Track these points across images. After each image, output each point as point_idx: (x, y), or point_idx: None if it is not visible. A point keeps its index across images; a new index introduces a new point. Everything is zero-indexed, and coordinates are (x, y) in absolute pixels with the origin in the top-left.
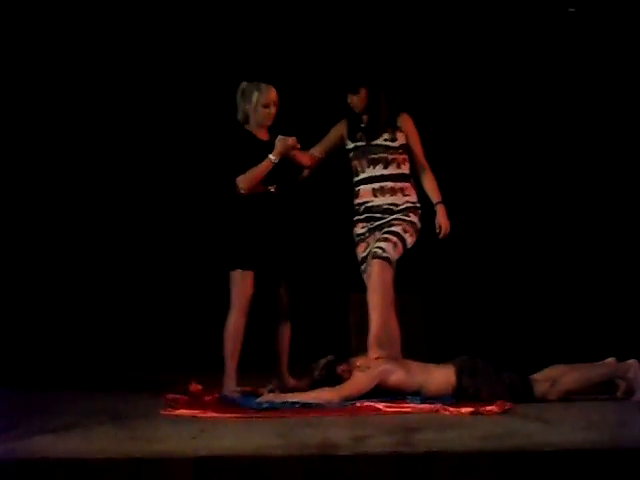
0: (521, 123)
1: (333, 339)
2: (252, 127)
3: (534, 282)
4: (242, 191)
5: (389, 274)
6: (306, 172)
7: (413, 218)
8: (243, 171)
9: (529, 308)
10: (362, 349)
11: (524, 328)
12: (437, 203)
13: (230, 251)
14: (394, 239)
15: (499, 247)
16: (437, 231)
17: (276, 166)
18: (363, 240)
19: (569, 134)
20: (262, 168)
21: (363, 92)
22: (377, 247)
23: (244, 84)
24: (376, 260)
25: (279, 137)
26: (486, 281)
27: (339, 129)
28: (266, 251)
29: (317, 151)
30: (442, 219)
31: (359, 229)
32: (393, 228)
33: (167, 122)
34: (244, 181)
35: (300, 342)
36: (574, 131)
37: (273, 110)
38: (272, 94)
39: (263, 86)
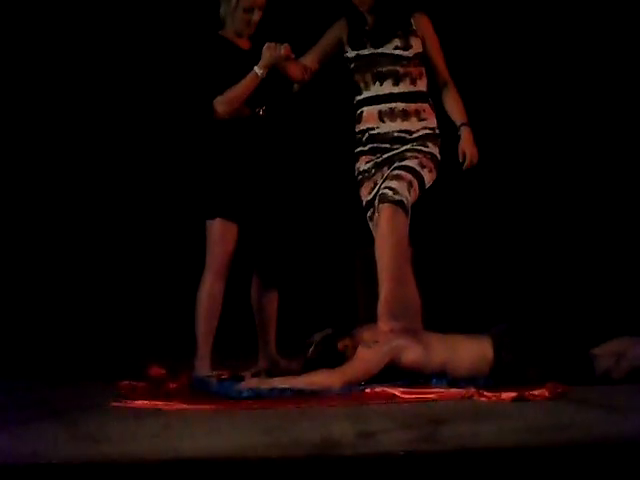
0: (522, 108)
1: (335, 307)
2: (229, 33)
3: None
4: (222, 116)
5: (403, 222)
6: (296, 87)
7: (432, 149)
8: (221, 90)
9: (579, 262)
10: (372, 319)
11: (573, 287)
12: (461, 125)
13: (207, 194)
14: (408, 176)
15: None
16: (460, 160)
17: (263, 81)
18: (368, 178)
19: (569, 124)
20: (246, 84)
21: None
22: (386, 187)
23: None
24: (386, 205)
25: (267, 44)
26: (509, 227)
27: (336, 31)
28: (254, 195)
29: (309, 60)
30: (467, 144)
31: (362, 164)
32: (406, 162)
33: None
34: (224, 102)
35: (292, 312)
36: (575, 121)
37: (256, 16)
38: None
39: None
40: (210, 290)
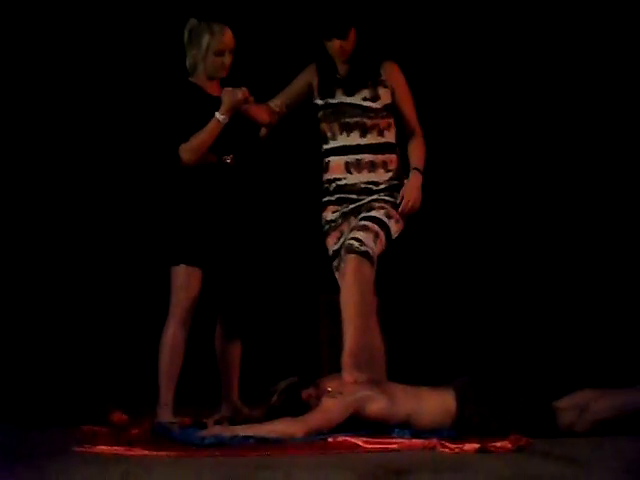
0: (514, 114)
1: (299, 355)
2: (200, 79)
3: (542, 282)
4: (187, 163)
5: (369, 273)
6: (263, 131)
7: (399, 199)
8: (189, 136)
9: (540, 312)
10: (336, 368)
11: (535, 339)
12: (414, 169)
13: (172, 240)
14: (375, 227)
15: (488, 241)
16: (399, 202)
17: (228, 129)
18: (335, 228)
19: (566, 130)
20: (208, 131)
21: (352, 34)
22: (353, 238)
23: (192, 22)
24: (352, 255)
25: (225, 89)
26: (474, 278)
27: (307, 76)
28: (218, 241)
29: (277, 104)
30: (410, 188)
31: (329, 214)
32: (373, 213)
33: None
34: (188, 150)
35: (256, 359)
36: (572, 127)
37: (228, 59)
38: (227, 38)
39: (216, 28)
40: (173, 336)
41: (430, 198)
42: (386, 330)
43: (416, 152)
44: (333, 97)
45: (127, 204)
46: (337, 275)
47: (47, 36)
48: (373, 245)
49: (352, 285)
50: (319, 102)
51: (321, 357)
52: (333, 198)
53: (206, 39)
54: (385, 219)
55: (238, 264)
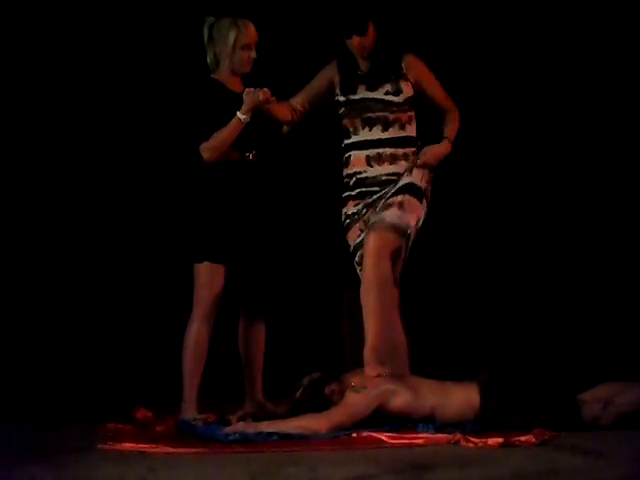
0: (519, 114)
1: (322, 351)
2: (223, 75)
3: (566, 276)
4: (208, 161)
5: (392, 248)
6: (285, 128)
7: (423, 183)
8: (212, 133)
9: (563, 306)
10: (359, 363)
11: (558, 333)
12: (445, 137)
13: (196, 238)
14: (397, 199)
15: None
16: (420, 153)
17: (251, 126)
18: (357, 221)
19: (567, 130)
20: (229, 130)
21: (371, 30)
22: (376, 219)
23: (211, 19)
24: (372, 233)
25: (247, 90)
26: (498, 272)
27: (328, 74)
28: (242, 238)
29: (298, 102)
30: (433, 148)
31: (350, 208)
32: (399, 197)
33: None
34: (209, 149)
35: (280, 355)
36: (573, 127)
37: (254, 53)
38: (253, 32)
39: (240, 22)
40: (197, 333)
41: (452, 193)
42: (409, 323)
43: (449, 124)
44: (355, 93)
45: (150, 202)
46: (358, 270)
47: (65, 35)
48: (400, 220)
49: (371, 278)
50: (341, 99)
51: (344, 353)
52: (353, 193)
53: (233, 34)
54: (411, 200)
55: (261, 261)
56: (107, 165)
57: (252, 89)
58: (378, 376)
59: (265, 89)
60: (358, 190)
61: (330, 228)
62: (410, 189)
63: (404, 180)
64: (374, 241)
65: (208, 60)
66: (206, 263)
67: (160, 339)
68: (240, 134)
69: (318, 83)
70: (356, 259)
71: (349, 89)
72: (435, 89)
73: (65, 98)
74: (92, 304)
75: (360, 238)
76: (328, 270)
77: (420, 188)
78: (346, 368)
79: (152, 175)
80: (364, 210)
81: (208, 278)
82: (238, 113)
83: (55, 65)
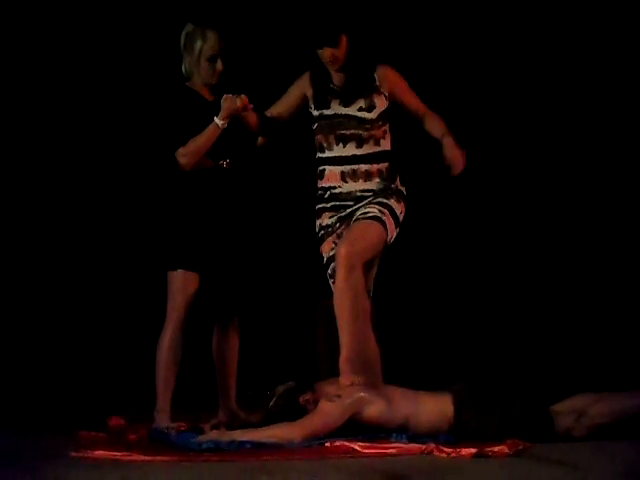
0: (513, 116)
1: (296, 360)
2: (196, 85)
3: (538, 286)
4: (184, 167)
5: (360, 268)
6: (260, 140)
7: (394, 203)
8: (186, 140)
9: (536, 317)
10: (333, 372)
11: (532, 343)
12: (442, 136)
13: (170, 245)
14: (376, 207)
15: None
16: (447, 166)
17: (225, 134)
18: (331, 233)
19: (566, 131)
20: (207, 135)
21: (344, 42)
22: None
23: (189, 27)
24: (342, 244)
25: (225, 96)
26: (470, 282)
27: (300, 87)
28: (216, 246)
29: (274, 113)
30: (450, 149)
31: (325, 219)
32: (369, 209)
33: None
34: (186, 154)
35: (254, 364)
36: (572, 128)
37: (219, 65)
38: (217, 44)
39: (208, 33)
40: (170, 341)
41: (426, 201)
42: (382, 335)
43: (435, 124)
44: (328, 108)
45: (124, 209)
46: (331, 282)
47: (46, 40)
48: (378, 213)
49: (344, 290)
50: (314, 113)
51: (318, 362)
52: (328, 205)
53: (198, 45)
54: (383, 215)
55: (235, 269)
56: (83, 172)
57: (230, 95)
58: (352, 385)
59: (243, 96)
60: (332, 203)
61: (304, 237)
62: (385, 206)
63: (379, 199)
64: (345, 249)
65: (183, 69)
66: (180, 270)
67: (133, 346)
68: (214, 142)
69: (291, 96)
70: (329, 271)
71: (322, 104)
72: (410, 99)
73: (43, 105)
74: (65, 312)
75: (333, 252)
76: (302, 279)
77: (394, 210)
78: (320, 377)
79: (127, 182)
80: (337, 224)
81: (181, 285)
82: (215, 119)
83: (33, 71)
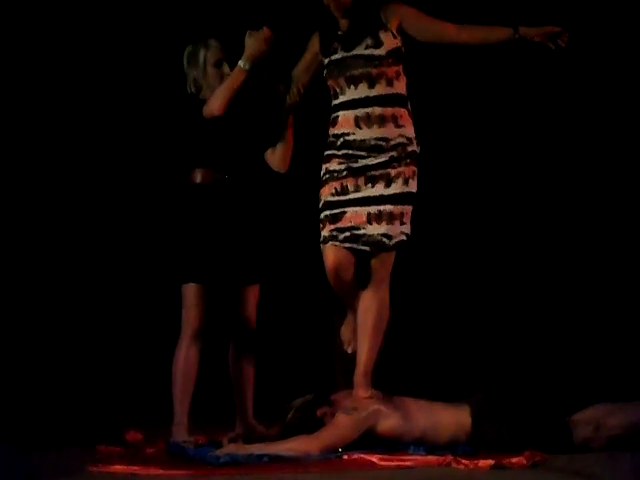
0: (516, 115)
1: (314, 373)
2: (207, 96)
3: (557, 298)
4: (214, 113)
5: (387, 283)
6: (282, 167)
7: (408, 172)
8: (196, 154)
9: (554, 328)
10: (350, 385)
11: (550, 354)
12: (508, 29)
13: (181, 259)
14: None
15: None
16: (548, 41)
17: (235, 145)
18: (336, 179)
19: (566, 131)
20: (231, 81)
21: None
22: (379, 234)
23: (188, 48)
24: (381, 254)
25: (248, 32)
26: (488, 293)
27: (311, 48)
28: (229, 259)
29: (299, 77)
30: (535, 29)
31: (334, 165)
32: (383, 207)
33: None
34: (213, 99)
35: (271, 377)
36: (572, 128)
37: (227, 69)
38: (220, 49)
39: (211, 42)
40: (185, 355)
41: (439, 206)
42: (399, 345)
43: (482, 30)
44: (336, 53)
45: (138, 222)
46: (321, 227)
47: (61, 47)
48: (400, 230)
49: (371, 303)
50: (325, 61)
51: (335, 375)
52: (339, 152)
53: (202, 54)
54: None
55: (250, 281)
56: (98, 185)
57: (254, 31)
58: (369, 398)
59: (265, 28)
60: (344, 151)
61: (319, 249)
62: (389, 219)
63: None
64: (380, 264)
65: (192, 87)
66: (192, 284)
67: (150, 361)
68: (224, 154)
69: (306, 57)
70: (321, 216)
71: (330, 50)
72: (427, 22)
73: (50, 113)
74: (81, 326)
75: (331, 196)
76: (319, 292)
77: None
78: (337, 390)
79: (141, 195)
80: (345, 172)
81: (194, 299)
82: (240, 61)
83: (38, 77)
